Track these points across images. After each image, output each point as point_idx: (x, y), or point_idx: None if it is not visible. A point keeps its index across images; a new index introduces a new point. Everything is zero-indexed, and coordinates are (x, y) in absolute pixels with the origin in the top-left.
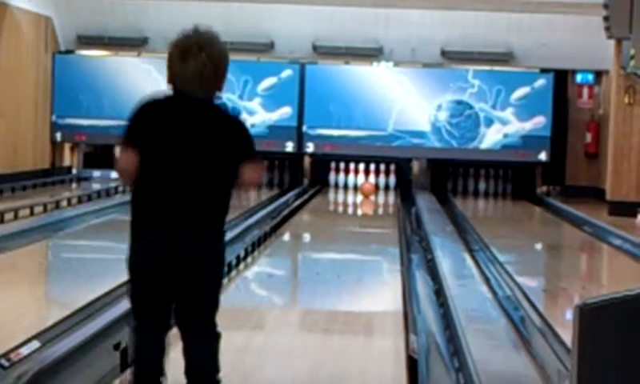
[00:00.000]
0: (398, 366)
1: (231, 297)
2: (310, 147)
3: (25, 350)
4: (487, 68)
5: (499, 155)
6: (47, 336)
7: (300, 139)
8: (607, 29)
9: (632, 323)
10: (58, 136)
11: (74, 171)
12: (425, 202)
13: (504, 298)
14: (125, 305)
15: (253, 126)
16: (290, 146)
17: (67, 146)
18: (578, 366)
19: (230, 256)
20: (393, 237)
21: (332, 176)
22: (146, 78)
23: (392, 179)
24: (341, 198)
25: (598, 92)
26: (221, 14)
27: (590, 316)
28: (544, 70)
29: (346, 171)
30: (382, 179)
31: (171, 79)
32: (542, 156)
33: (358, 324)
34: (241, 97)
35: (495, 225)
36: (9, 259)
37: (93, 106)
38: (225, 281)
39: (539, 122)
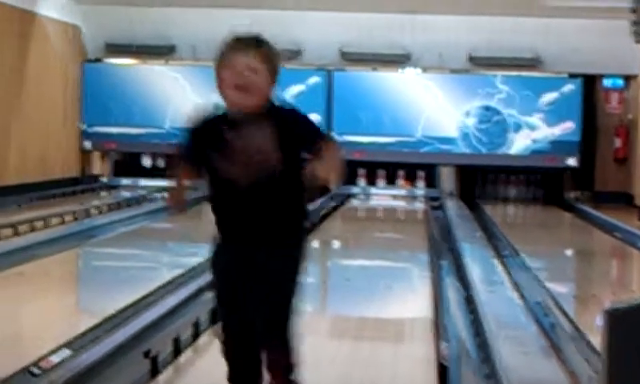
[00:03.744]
0: (429, 373)
1: None
2: None
3: (55, 358)
4: (515, 73)
5: (528, 161)
6: (78, 344)
7: None
8: (635, 33)
9: None
10: (88, 144)
11: (104, 179)
12: (454, 208)
13: (534, 304)
14: (154, 312)
15: None
16: None
17: (96, 155)
18: (607, 372)
19: None
20: (422, 243)
21: (361, 182)
22: (173, 85)
23: (420, 185)
24: (370, 204)
25: (627, 97)
26: (248, 21)
27: (619, 321)
28: (572, 75)
29: (375, 177)
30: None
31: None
32: (571, 161)
33: (388, 331)
34: None
35: (525, 231)
36: (39, 267)
37: (121, 113)
38: None
39: (568, 127)
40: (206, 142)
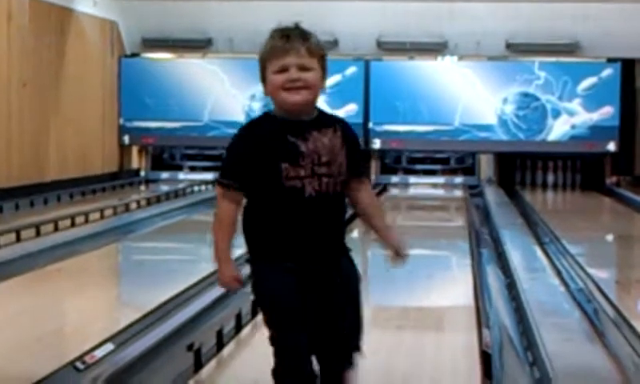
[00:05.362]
0: (472, 361)
1: None
2: (376, 143)
3: (99, 353)
4: (553, 59)
5: (567, 147)
6: (120, 338)
7: (366, 135)
8: None
9: None
10: (126, 139)
11: (142, 173)
12: (493, 196)
13: (576, 290)
14: (197, 305)
15: None
16: None
17: (135, 149)
18: None
19: None
20: (462, 231)
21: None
22: (211, 79)
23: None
24: (409, 193)
25: None
26: (284, 12)
27: None
28: (611, 60)
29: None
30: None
31: None
32: (611, 146)
33: (430, 319)
34: None
35: (565, 217)
36: (80, 263)
37: (159, 108)
38: None
39: (607, 112)
40: (270, 151)
